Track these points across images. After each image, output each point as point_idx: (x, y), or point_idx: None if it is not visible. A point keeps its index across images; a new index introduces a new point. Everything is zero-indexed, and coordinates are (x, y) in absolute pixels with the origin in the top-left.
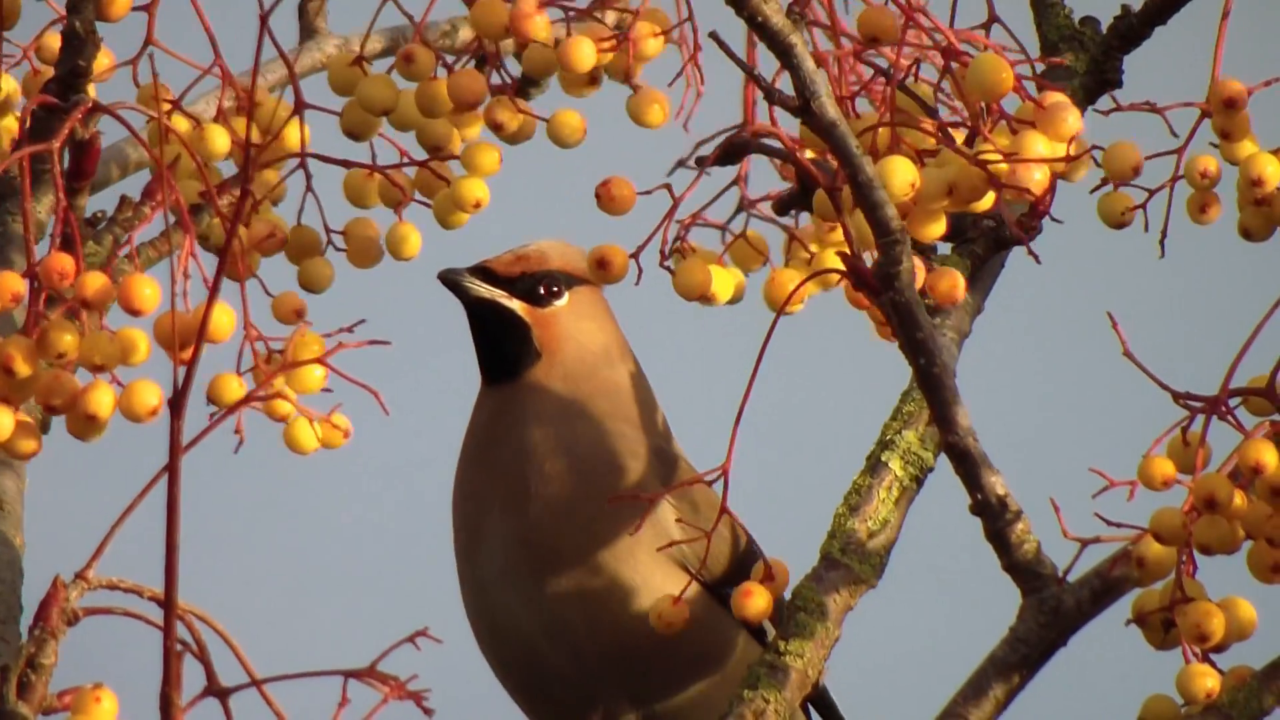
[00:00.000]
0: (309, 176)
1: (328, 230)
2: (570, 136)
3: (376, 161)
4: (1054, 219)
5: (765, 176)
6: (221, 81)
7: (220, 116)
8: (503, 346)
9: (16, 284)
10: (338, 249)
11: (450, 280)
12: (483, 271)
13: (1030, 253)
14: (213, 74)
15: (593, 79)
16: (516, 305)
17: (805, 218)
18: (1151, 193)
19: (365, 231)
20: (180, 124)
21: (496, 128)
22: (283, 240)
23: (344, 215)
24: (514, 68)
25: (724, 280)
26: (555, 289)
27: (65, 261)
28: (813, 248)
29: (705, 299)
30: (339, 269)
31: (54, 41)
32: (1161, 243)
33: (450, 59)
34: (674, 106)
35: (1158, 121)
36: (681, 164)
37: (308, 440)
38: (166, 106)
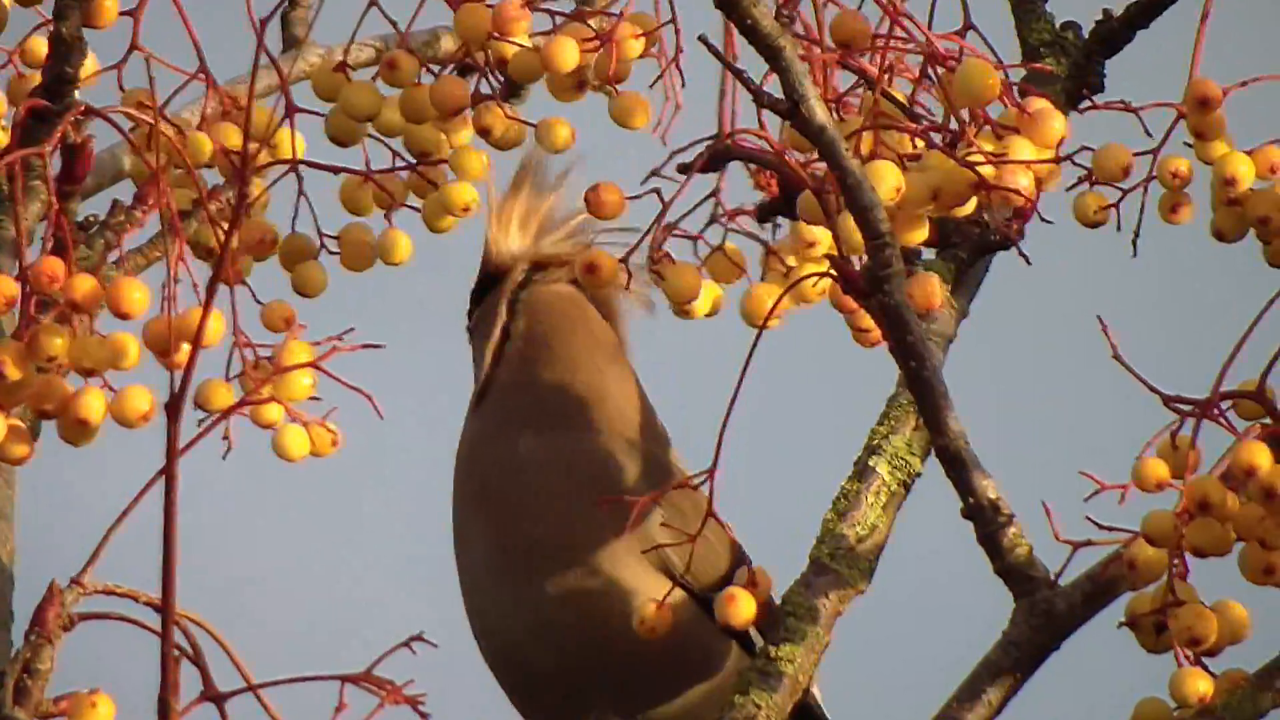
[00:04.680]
0: (300, 180)
1: (320, 235)
2: (558, 141)
3: (370, 166)
4: (1044, 219)
5: (741, 189)
6: (206, 88)
7: (204, 124)
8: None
9: (10, 288)
10: (331, 253)
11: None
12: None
13: (1020, 254)
14: (198, 80)
15: (580, 84)
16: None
17: (783, 231)
18: (1125, 192)
19: (359, 236)
20: (166, 131)
21: (485, 133)
22: (273, 243)
23: (335, 219)
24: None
25: (705, 292)
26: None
27: (55, 265)
28: (790, 261)
29: (684, 313)
30: (330, 275)
31: (40, 46)
32: (1134, 242)
33: (435, 69)
34: (656, 110)
35: (1136, 124)
36: (655, 173)
37: (298, 447)
38: (147, 108)
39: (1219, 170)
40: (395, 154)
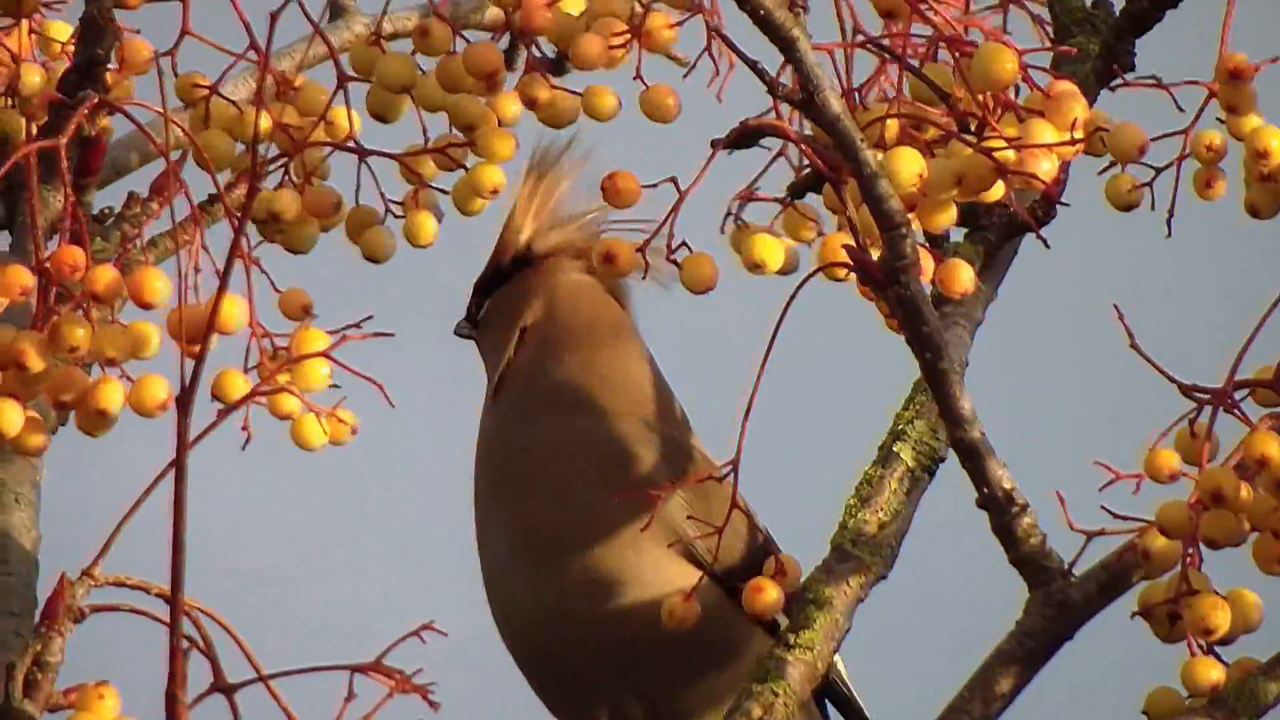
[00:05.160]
0: (363, 152)
1: (385, 201)
2: (605, 110)
3: (426, 137)
4: (1062, 203)
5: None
6: (258, 65)
7: (258, 100)
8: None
9: (24, 278)
10: (397, 217)
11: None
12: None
13: (1040, 239)
14: (247, 59)
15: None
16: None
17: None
18: (1158, 170)
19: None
20: (221, 110)
21: (531, 104)
22: (338, 206)
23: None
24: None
25: (773, 249)
26: (480, 302)
27: (76, 254)
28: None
29: (757, 267)
30: (346, 260)
31: (59, 31)
32: (1169, 221)
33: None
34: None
35: (1166, 104)
36: (717, 146)
37: (315, 436)
38: (203, 93)
39: (1251, 144)
40: (424, 130)
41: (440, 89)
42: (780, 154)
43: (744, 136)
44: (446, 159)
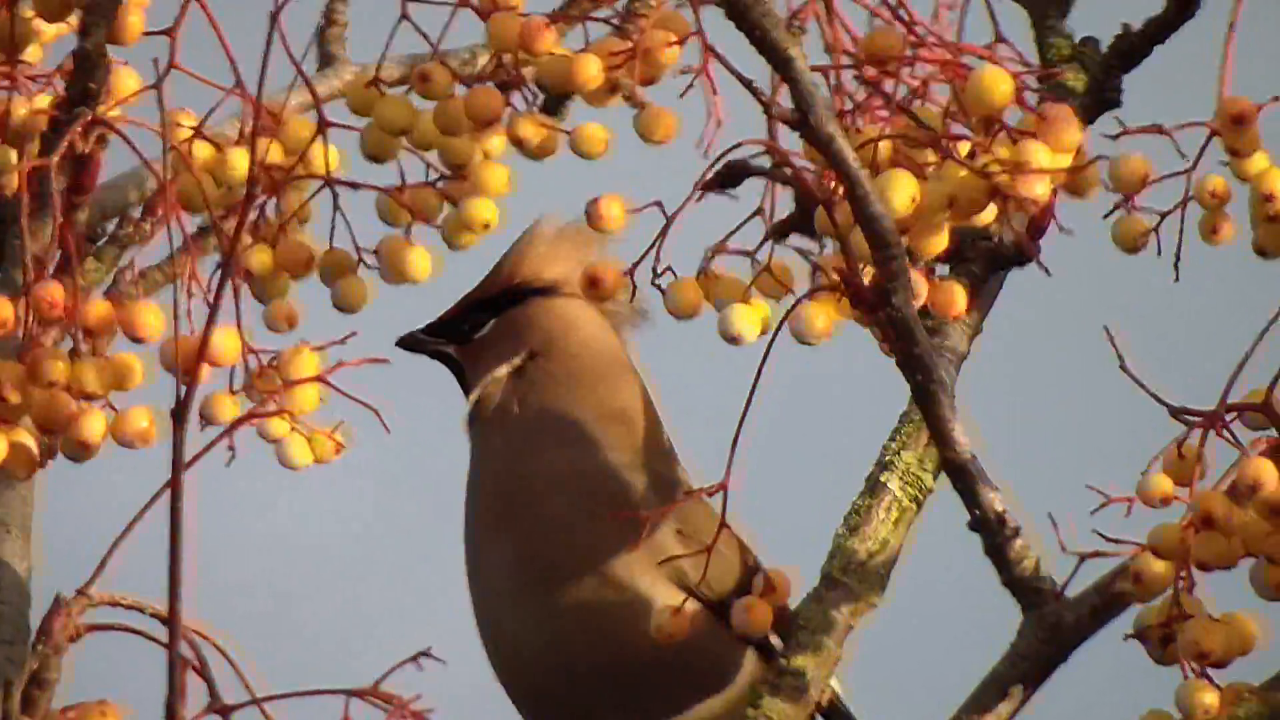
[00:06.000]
0: (336, 196)
1: (358, 249)
2: (594, 148)
3: (404, 180)
4: (1062, 229)
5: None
6: (243, 104)
7: (243, 140)
8: (461, 385)
9: (4, 310)
10: (369, 267)
11: (402, 342)
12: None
13: (1040, 265)
14: (235, 95)
15: (612, 88)
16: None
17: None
18: (1163, 215)
19: (398, 247)
20: (202, 150)
21: (519, 143)
22: (310, 262)
23: (372, 232)
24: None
25: (750, 317)
26: (479, 320)
27: (55, 291)
28: (835, 277)
29: (734, 339)
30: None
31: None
32: (1176, 265)
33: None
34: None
35: (1164, 143)
36: (701, 188)
37: (302, 456)
38: (187, 127)
39: (1258, 186)
40: (430, 166)
41: (433, 130)
42: (757, 212)
43: (729, 176)
44: (441, 194)
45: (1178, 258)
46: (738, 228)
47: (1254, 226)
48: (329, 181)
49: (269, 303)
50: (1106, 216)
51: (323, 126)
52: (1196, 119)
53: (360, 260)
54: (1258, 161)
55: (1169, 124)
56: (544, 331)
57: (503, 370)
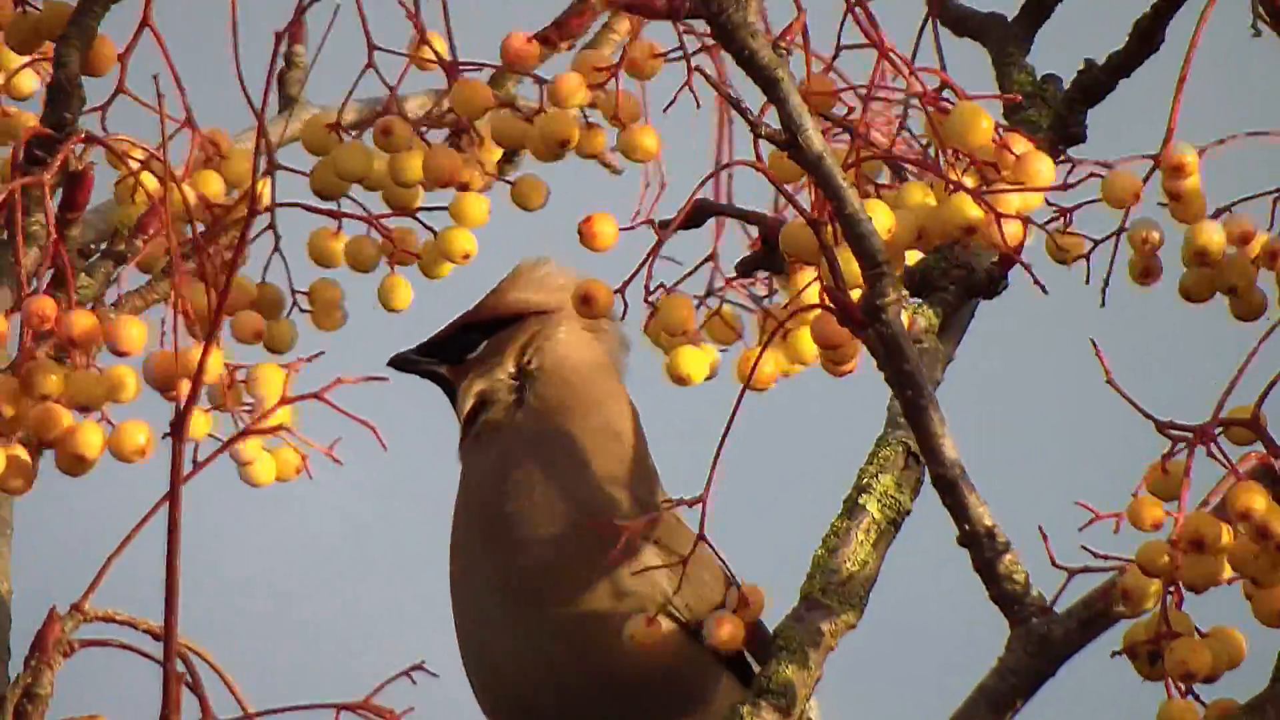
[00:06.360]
0: (278, 238)
1: (293, 291)
2: (534, 202)
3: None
4: (1026, 267)
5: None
6: (192, 138)
7: (186, 174)
8: (453, 404)
9: None
10: (303, 310)
11: (394, 362)
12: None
13: (1036, 282)
14: (186, 130)
15: (562, 144)
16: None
17: (778, 298)
18: (1096, 243)
19: (329, 293)
20: (148, 180)
21: (463, 189)
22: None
23: (310, 275)
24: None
25: (698, 361)
26: (472, 340)
27: (46, 305)
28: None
29: (682, 380)
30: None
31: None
32: (1104, 291)
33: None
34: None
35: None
36: (663, 228)
37: (266, 474)
38: (143, 156)
39: (1190, 239)
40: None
41: (383, 173)
42: (709, 258)
43: (695, 215)
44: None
45: (1105, 286)
46: (690, 273)
47: (1185, 266)
48: (276, 207)
49: (234, 316)
50: (1043, 226)
51: (270, 169)
52: (1149, 151)
53: (294, 304)
54: (1193, 204)
55: (1134, 154)
56: (536, 353)
57: (494, 394)
